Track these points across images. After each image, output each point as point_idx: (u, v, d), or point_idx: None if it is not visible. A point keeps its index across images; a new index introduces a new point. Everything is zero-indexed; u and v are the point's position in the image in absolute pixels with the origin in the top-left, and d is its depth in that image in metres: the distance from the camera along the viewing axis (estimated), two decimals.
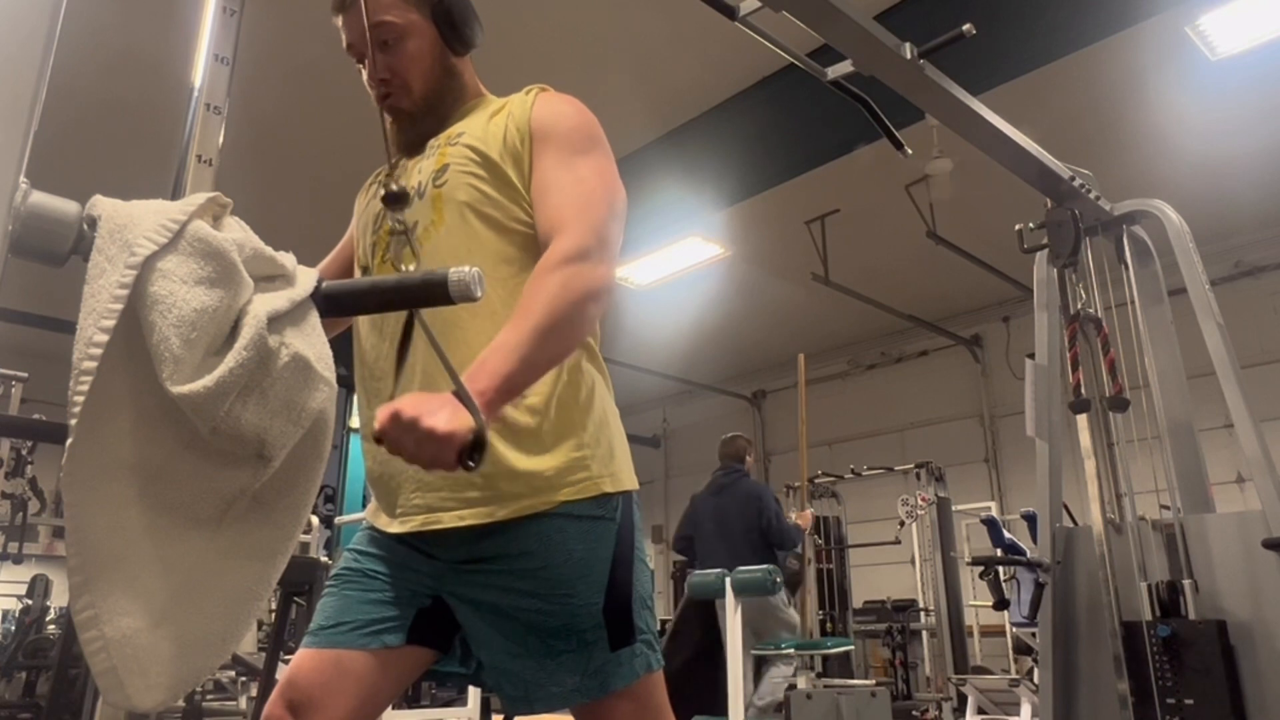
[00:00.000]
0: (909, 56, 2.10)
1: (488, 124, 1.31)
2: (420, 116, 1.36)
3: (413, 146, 1.37)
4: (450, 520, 1.17)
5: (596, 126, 1.30)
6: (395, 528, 1.22)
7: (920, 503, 7.42)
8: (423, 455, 0.91)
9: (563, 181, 1.23)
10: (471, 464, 0.91)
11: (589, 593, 1.15)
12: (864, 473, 7.99)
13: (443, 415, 0.90)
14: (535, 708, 1.17)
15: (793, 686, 4.63)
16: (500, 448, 1.16)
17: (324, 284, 0.90)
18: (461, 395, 0.93)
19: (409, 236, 1.26)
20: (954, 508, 7.44)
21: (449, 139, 1.32)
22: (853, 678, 7.39)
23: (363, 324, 1.34)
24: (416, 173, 1.32)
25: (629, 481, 1.24)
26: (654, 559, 12.29)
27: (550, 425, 1.19)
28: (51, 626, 7.12)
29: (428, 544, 1.21)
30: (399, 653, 1.19)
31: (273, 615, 4.15)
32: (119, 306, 0.75)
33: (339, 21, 1.36)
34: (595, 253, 1.15)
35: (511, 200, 1.25)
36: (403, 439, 0.91)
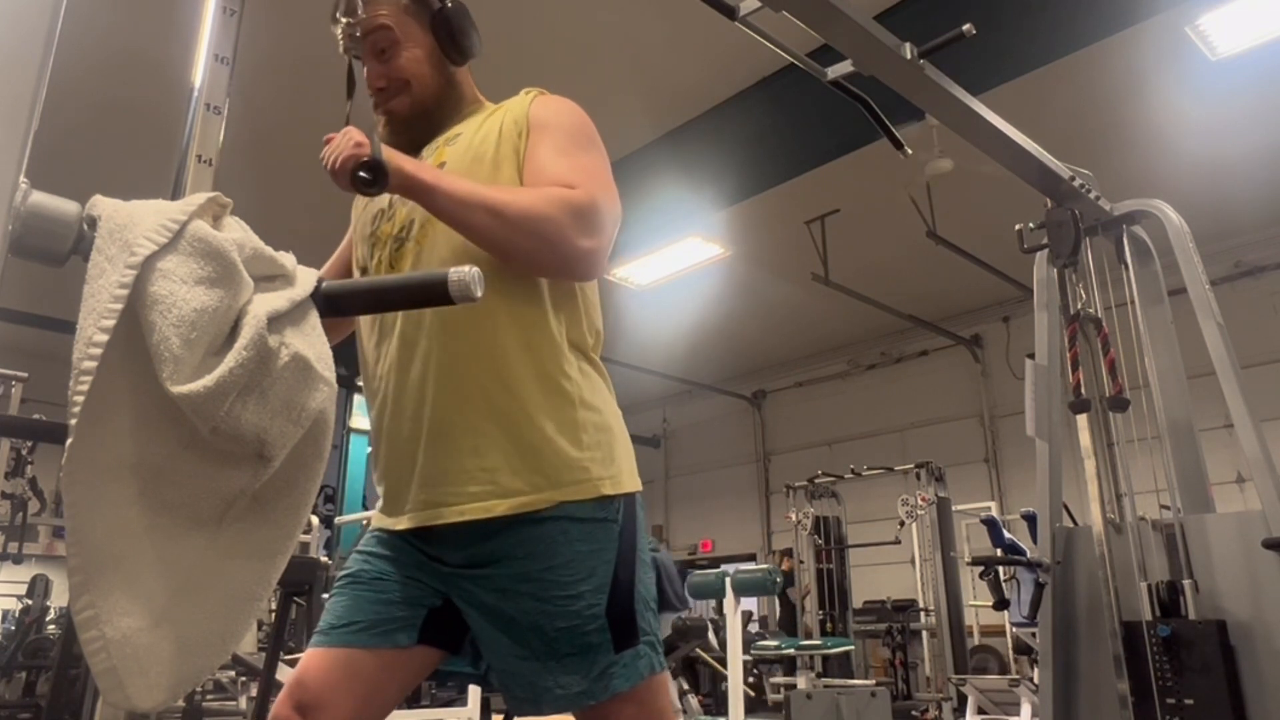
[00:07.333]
0: (909, 56, 2.10)
1: (484, 123, 1.32)
2: (414, 121, 1.37)
3: (405, 151, 1.37)
4: (451, 515, 1.17)
5: (596, 133, 1.31)
6: (401, 524, 1.23)
7: (920, 503, 7.42)
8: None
9: (561, 164, 1.23)
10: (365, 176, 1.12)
11: (593, 594, 1.15)
12: (864, 473, 7.99)
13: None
14: (541, 709, 1.17)
15: (792, 686, 4.64)
16: (501, 445, 1.17)
17: (324, 284, 0.90)
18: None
19: (407, 233, 1.26)
20: (954, 508, 7.44)
21: (447, 139, 1.34)
22: (853, 678, 7.39)
23: (363, 326, 1.34)
24: None
25: (631, 484, 1.24)
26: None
27: (551, 427, 1.19)
28: (51, 626, 7.12)
29: (433, 546, 1.22)
30: (409, 653, 1.20)
31: (273, 615, 4.15)
32: (119, 306, 0.75)
33: (337, 30, 1.36)
34: (584, 217, 1.17)
35: None
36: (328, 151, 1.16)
